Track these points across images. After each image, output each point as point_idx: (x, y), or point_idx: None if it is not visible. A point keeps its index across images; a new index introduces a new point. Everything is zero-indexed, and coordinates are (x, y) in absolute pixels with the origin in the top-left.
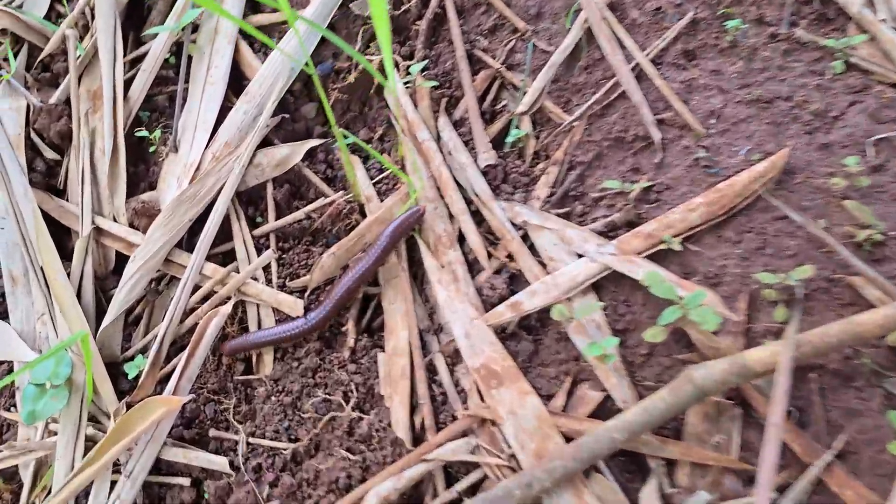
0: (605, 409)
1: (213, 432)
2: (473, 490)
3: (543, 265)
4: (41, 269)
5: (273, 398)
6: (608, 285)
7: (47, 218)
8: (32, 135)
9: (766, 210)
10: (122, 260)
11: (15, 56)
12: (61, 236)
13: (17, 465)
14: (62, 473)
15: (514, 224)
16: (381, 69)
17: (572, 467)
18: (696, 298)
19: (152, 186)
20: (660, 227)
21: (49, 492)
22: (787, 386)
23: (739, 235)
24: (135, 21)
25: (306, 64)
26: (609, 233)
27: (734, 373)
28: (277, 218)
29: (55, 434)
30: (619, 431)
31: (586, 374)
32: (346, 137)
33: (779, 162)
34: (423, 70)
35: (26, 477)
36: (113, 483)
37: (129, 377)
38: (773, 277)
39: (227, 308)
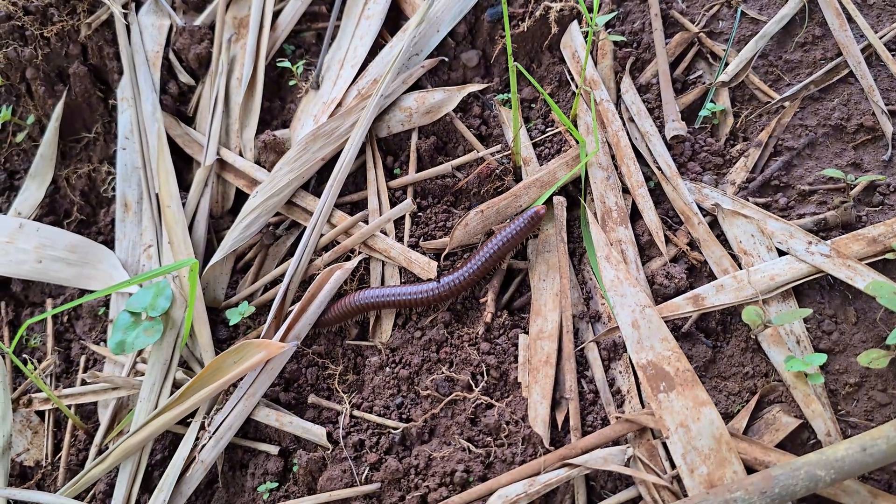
0: (797, 442)
1: (312, 398)
2: None
3: (735, 259)
4: (156, 196)
5: (387, 369)
6: (812, 294)
7: (172, 145)
8: (171, 56)
9: None
10: (241, 201)
11: None
12: (182, 168)
13: (96, 403)
14: (143, 416)
15: (701, 208)
16: (560, 21)
17: None
18: None
19: (286, 125)
20: (889, 233)
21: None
22: None
23: None
24: None
25: (475, 5)
26: (819, 232)
27: None
28: (419, 171)
29: (142, 375)
30: (825, 469)
31: (778, 396)
32: (518, 81)
33: None
34: (609, 25)
35: (104, 417)
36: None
37: (231, 323)
38: None
39: (353, 264)
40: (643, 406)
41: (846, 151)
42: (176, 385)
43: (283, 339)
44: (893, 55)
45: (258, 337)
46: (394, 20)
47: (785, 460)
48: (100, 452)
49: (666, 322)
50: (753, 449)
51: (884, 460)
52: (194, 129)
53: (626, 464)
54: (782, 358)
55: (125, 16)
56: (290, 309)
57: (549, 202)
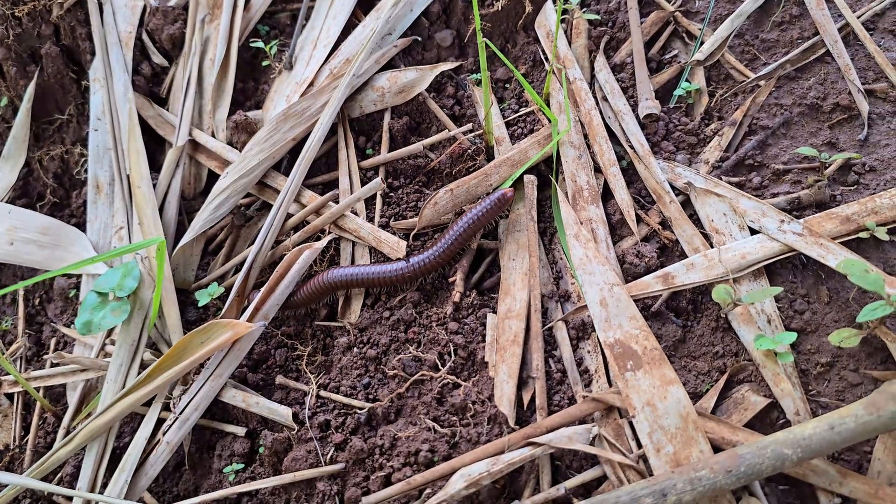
0: (766, 422)
1: (280, 379)
2: (587, 491)
3: (706, 238)
4: (127, 177)
5: (355, 350)
6: (784, 273)
7: (145, 126)
8: (144, 36)
9: None
10: (213, 183)
11: None
12: (155, 150)
13: (65, 386)
14: (110, 397)
15: (673, 187)
16: (534, 0)
17: (723, 483)
18: None
19: (259, 106)
20: (862, 212)
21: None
22: None
23: None
24: None
25: None
26: (793, 211)
27: None
28: (391, 151)
29: (111, 357)
30: (792, 447)
31: (748, 375)
32: (492, 61)
33: None
34: (584, 4)
35: (73, 399)
36: (161, 422)
37: (200, 304)
38: None
39: (322, 243)
40: (611, 385)
41: (822, 131)
42: (144, 366)
43: (251, 319)
44: (871, 34)
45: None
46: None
47: (753, 440)
48: (67, 434)
49: (636, 301)
50: (721, 428)
51: (851, 439)
52: (167, 110)
53: (590, 443)
54: (752, 337)
55: None
56: (254, 288)
57: (520, 181)
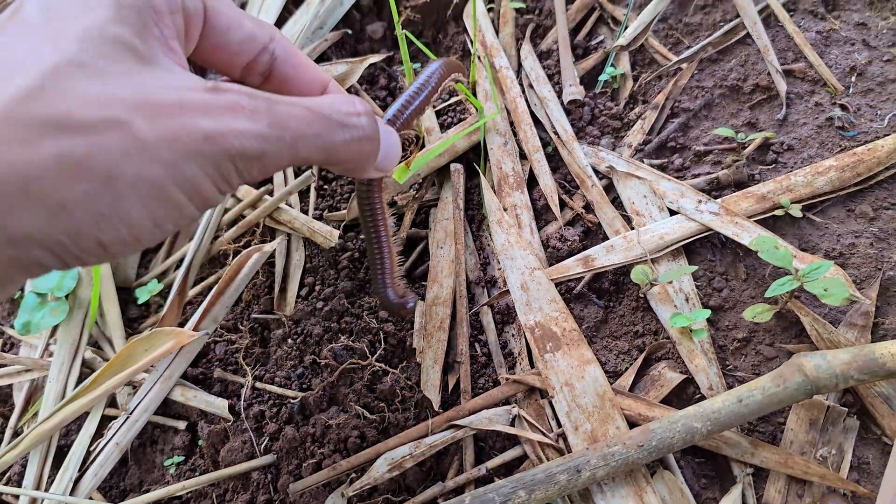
0: (683, 397)
1: (218, 373)
2: (508, 470)
3: (628, 220)
4: None
5: (289, 341)
6: (704, 252)
7: None
8: None
9: None
10: None
11: None
12: None
13: (11, 386)
14: (52, 398)
15: (596, 171)
16: None
17: (635, 457)
18: (817, 269)
19: None
20: (777, 190)
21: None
22: None
23: (877, 211)
24: None
25: None
26: (712, 192)
27: (859, 367)
28: None
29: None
30: (701, 421)
31: (665, 353)
32: (409, 47)
33: None
34: None
35: (18, 399)
36: (105, 419)
37: (140, 302)
38: None
39: (271, 246)
40: (532, 367)
41: (742, 111)
42: (85, 364)
43: (199, 324)
44: (791, 15)
45: (177, 315)
46: None
47: (668, 414)
48: (16, 435)
49: (558, 284)
50: (638, 405)
51: (759, 411)
52: None
53: (511, 423)
54: (669, 315)
55: None
56: (194, 285)
57: (446, 169)
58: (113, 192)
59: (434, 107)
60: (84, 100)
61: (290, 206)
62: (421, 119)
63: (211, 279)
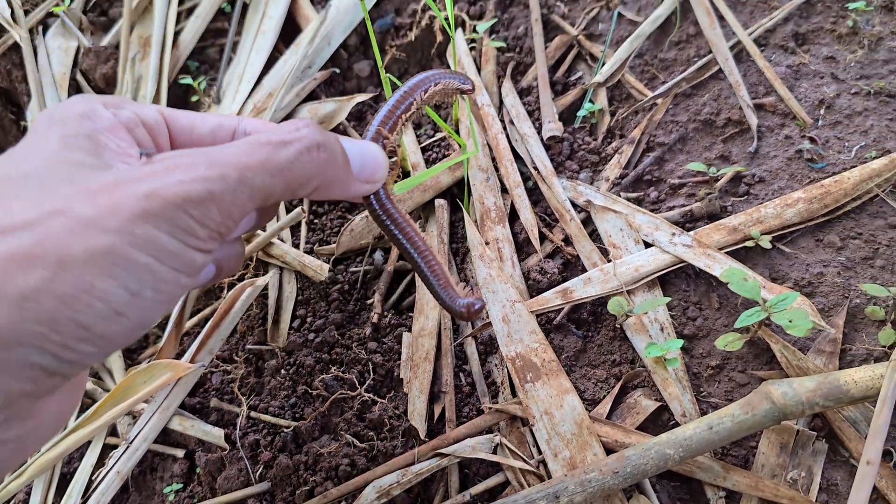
0: (658, 423)
1: (214, 402)
2: (491, 496)
3: (605, 253)
4: None
5: (283, 371)
6: (679, 283)
7: None
8: (78, 76)
9: (878, 215)
10: None
11: None
12: None
13: None
14: None
15: (575, 205)
16: (444, 30)
17: (611, 483)
18: (784, 300)
19: None
20: (748, 222)
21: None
22: (888, 419)
23: (844, 241)
24: None
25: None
26: (686, 224)
27: (824, 394)
28: None
29: None
30: (674, 447)
31: (641, 381)
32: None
33: None
34: (491, 32)
35: None
36: (106, 447)
37: None
38: (883, 290)
39: (264, 280)
40: (514, 396)
41: (715, 145)
42: (87, 395)
43: (195, 355)
44: (762, 50)
45: (175, 346)
46: (290, 33)
47: (643, 441)
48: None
49: (538, 315)
50: (615, 432)
51: (729, 437)
52: None
53: (493, 451)
54: (643, 345)
55: (32, 39)
56: (191, 316)
57: (431, 204)
58: (71, 272)
59: (420, 142)
60: (23, 203)
61: (281, 240)
62: (402, 141)
63: (207, 311)
